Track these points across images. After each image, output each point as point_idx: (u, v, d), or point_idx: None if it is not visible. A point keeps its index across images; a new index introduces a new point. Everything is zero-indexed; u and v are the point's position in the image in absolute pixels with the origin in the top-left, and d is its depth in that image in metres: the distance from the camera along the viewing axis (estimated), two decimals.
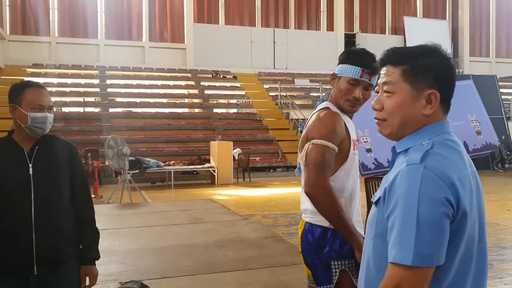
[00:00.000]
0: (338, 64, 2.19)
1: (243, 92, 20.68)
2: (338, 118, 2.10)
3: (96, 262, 2.33)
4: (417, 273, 1.11)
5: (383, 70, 1.33)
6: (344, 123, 2.12)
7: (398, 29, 25.59)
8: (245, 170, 14.20)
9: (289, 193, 11.29)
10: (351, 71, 2.09)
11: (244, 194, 11.38)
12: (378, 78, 2.09)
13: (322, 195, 1.98)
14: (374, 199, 1.30)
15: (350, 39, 24.72)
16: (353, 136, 2.16)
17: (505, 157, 15.88)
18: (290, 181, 14.02)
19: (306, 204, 2.19)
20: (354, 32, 25.01)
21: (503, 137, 16.32)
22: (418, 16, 26.16)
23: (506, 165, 15.99)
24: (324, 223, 2.09)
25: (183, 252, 5.49)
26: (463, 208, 1.15)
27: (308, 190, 2.01)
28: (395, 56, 1.31)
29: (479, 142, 15.99)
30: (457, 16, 26.34)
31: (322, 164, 1.99)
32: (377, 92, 1.36)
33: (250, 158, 14.55)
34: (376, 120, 1.34)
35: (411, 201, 1.13)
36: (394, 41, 25.05)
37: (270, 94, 20.75)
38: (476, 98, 16.31)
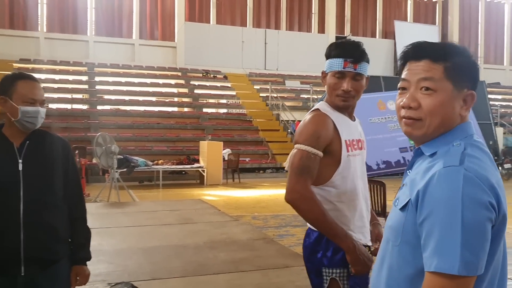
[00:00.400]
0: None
1: (233, 92, 20.59)
2: (323, 120, 2.01)
3: None
4: (461, 282, 1.04)
5: (415, 65, 1.22)
6: (334, 124, 2.02)
7: (388, 33, 25.71)
8: (234, 171, 14.11)
9: (278, 195, 11.22)
10: (334, 64, 2.01)
11: (233, 195, 11.30)
12: (365, 65, 2.01)
13: (300, 201, 1.91)
14: (397, 203, 1.22)
15: None
16: (348, 136, 2.05)
17: None
18: (280, 182, 13.95)
19: None
20: (345, 35, 25.07)
21: (490, 142, 16.43)
22: (408, 20, 26.32)
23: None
24: None
25: (173, 253, 5.39)
26: (503, 211, 1.09)
27: (286, 196, 1.94)
28: (435, 51, 1.22)
29: None
30: (446, 22, 26.55)
31: (301, 169, 1.92)
32: (404, 88, 1.25)
33: (240, 159, 14.46)
34: (405, 120, 1.23)
35: (453, 205, 1.05)
36: (384, 45, 25.19)
37: (261, 95, 20.69)
38: None
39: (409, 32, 24.70)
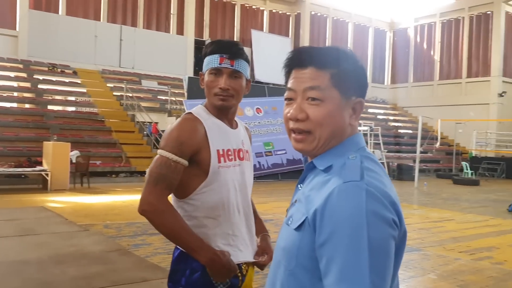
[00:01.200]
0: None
1: (84, 90, 19.20)
2: (190, 125, 1.79)
3: None
4: None
5: (301, 73, 1.12)
6: (205, 131, 1.80)
7: (246, 41, 26.40)
8: (83, 175, 13.07)
9: (133, 201, 10.62)
10: (210, 61, 1.83)
11: (82, 201, 10.38)
12: (244, 63, 1.82)
13: (152, 214, 1.71)
14: (290, 221, 1.07)
15: (200, 45, 24.76)
16: (222, 146, 1.83)
17: None
18: (135, 187, 13.29)
19: None
20: (204, 39, 25.12)
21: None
22: (264, 30, 27.37)
23: None
24: None
25: (11, 270, 4.63)
26: (404, 228, 1.02)
27: (138, 208, 1.73)
28: (320, 58, 1.12)
29: None
30: (298, 35, 28.21)
31: (157, 177, 1.71)
32: (290, 99, 1.15)
33: (90, 161, 13.45)
34: (295, 136, 1.14)
35: (358, 224, 0.94)
36: None
37: (115, 93, 19.62)
38: None
39: (265, 42, 25.73)
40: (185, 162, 1.74)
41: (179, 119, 1.84)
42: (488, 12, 26.82)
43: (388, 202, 0.98)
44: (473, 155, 23.64)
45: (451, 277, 5.19)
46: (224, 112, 1.88)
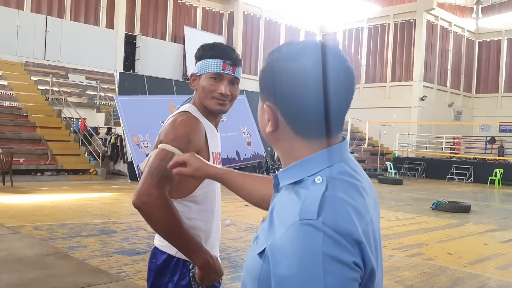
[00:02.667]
0: (196, 62, 1.88)
1: (5, 82, 18.00)
2: (196, 124, 1.77)
3: None
4: None
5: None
6: (205, 132, 1.80)
7: (178, 38, 26.02)
8: (5, 173, 12.27)
9: (63, 200, 10.14)
10: (212, 65, 1.81)
11: (6, 201, 9.74)
12: (241, 71, 1.86)
13: (153, 207, 1.58)
14: (256, 241, 0.96)
15: (130, 40, 24.07)
16: (215, 149, 1.86)
17: (270, 167, 17.49)
18: (62, 186, 12.70)
19: None
20: (135, 34, 24.45)
21: (269, 149, 17.96)
22: (197, 28, 27.10)
23: (271, 174, 17.64)
24: (170, 249, 1.79)
25: None
26: (371, 266, 0.90)
27: (136, 199, 1.58)
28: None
29: (249, 152, 17.28)
30: (232, 34, 28.23)
31: (158, 170, 1.61)
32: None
33: (13, 159, 12.65)
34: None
35: (312, 272, 0.83)
36: (174, 48, 25.40)
37: (39, 87, 18.57)
38: (248, 111, 17.63)
39: (198, 39, 25.42)
40: None
41: (181, 118, 1.77)
42: (411, 20, 28.33)
43: (349, 242, 0.86)
44: (396, 155, 24.87)
45: (388, 274, 5.43)
46: (215, 115, 1.89)
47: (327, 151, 0.96)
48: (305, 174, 0.94)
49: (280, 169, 0.99)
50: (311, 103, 0.91)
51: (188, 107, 1.84)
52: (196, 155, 1.50)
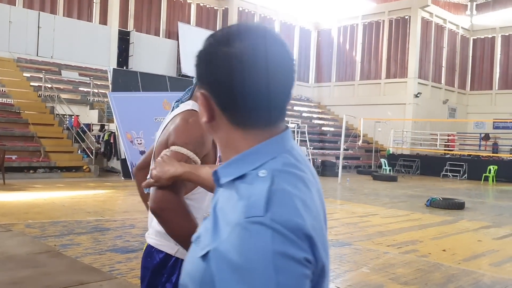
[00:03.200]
0: None
1: None
2: None
3: None
4: None
5: None
6: None
7: (172, 34, 25.90)
8: None
9: (55, 198, 10.07)
10: None
11: None
12: None
13: (172, 213, 1.54)
14: (198, 241, 0.88)
15: (124, 36, 23.93)
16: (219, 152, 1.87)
17: None
18: (55, 183, 12.61)
19: (153, 222, 1.82)
20: (129, 30, 24.31)
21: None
22: (191, 24, 26.99)
23: None
24: (168, 248, 1.76)
25: None
26: (321, 262, 0.86)
27: (155, 206, 1.54)
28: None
29: None
30: None
31: None
32: None
33: (6, 156, 12.55)
34: None
35: (263, 274, 0.78)
36: (168, 45, 25.28)
37: (32, 84, 18.43)
38: None
39: (192, 35, 25.37)
40: (199, 163, 1.71)
41: (193, 117, 1.73)
42: (406, 17, 28.36)
43: (300, 237, 0.81)
44: (391, 152, 24.91)
45: (382, 270, 5.43)
46: None
47: (269, 142, 0.90)
48: (248, 168, 0.87)
49: (220, 163, 0.93)
50: (246, 90, 0.84)
51: (192, 104, 1.81)
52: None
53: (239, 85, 0.84)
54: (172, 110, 1.90)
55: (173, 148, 1.65)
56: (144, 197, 1.95)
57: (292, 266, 0.79)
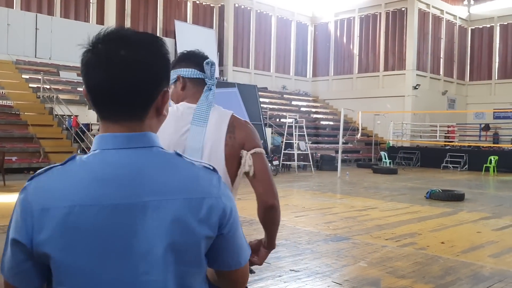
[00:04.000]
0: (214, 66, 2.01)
1: None
2: None
3: None
4: None
5: None
6: None
7: (169, 32, 25.88)
8: None
9: None
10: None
11: None
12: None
13: (278, 209, 1.85)
14: None
15: None
16: None
17: None
18: None
19: None
20: None
21: (262, 141, 17.97)
22: (188, 22, 26.95)
23: None
24: None
25: None
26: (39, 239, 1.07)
27: (275, 201, 1.81)
28: None
29: None
30: (223, 27, 28.08)
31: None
32: None
33: (5, 158, 12.58)
34: None
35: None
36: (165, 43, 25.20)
37: (30, 85, 18.46)
38: (240, 104, 17.57)
39: (189, 33, 25.36)
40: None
41: (236, 115, 1.88)
42: (402, 9, 28.29)
43: (22, 217, 0.97)
44: (391, 145, 24.90)
45: (380, 264, 5.44)
46: None
47: (98, 137, 1.05)
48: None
49: None
50: (86, 88, 1.00)
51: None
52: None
53: (84, 83, 1.11)
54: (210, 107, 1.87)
55: (257, 150, 1.82)
56: None
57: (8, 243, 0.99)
